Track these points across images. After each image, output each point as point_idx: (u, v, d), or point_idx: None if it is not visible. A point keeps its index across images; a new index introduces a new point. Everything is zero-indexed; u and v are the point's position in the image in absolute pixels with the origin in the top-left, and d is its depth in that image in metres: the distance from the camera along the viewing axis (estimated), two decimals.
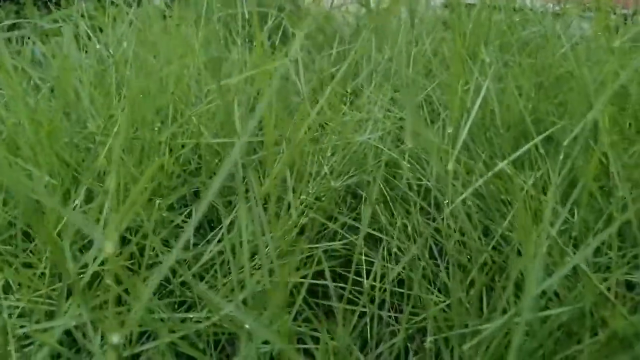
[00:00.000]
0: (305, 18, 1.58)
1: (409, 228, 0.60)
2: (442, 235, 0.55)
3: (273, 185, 0.35)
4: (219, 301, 0.28)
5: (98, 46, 0.89)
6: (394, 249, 0.63)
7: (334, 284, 0.65)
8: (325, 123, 0.84)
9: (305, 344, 0.58)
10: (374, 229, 0.67)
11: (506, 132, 0.76)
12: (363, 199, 0.69)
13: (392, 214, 0.66)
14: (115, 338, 0.19)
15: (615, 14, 1.56)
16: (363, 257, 0.62)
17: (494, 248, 0.62)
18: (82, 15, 1.03)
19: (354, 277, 0.66)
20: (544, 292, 0.52)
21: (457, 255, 0.48)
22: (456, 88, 0.47)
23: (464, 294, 0.51)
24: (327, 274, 0.44)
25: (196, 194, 0.79)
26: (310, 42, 1.52)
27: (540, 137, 0.48)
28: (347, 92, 0.97)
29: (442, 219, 0.50)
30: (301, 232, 0.73)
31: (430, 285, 0.60)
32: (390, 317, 0.62)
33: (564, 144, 0.46)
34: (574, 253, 0.52)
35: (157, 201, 0.58)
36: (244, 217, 0.35)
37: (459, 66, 0.47)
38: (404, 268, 0.55)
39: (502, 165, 0.44)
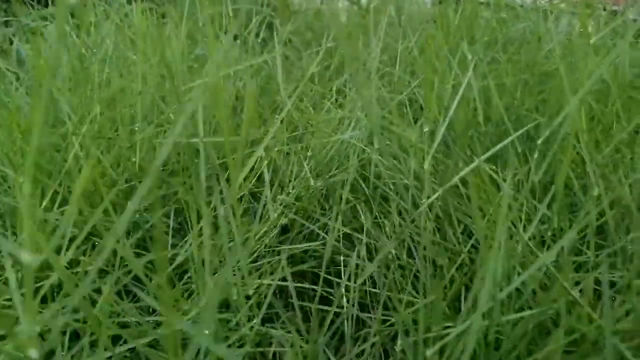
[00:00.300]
0: (293, 15, 1.57)
1: (387, 228, 0.59)
2: (420, 235, 0.55)
3: (234, 185, 0.34)
4: (160, 308, 0.27)
5: (78, 43, 0.87)
6: (373, 249, 0.62)
7: (314, 286, 0.65)
8: (309, 122, 0.83)
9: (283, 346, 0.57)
10: (354, 229, 0.66)
11: (493, 130, 0.75)
12: (343, 198, 0.68)
13: (372, 213, 0.65)
14: (33, 353, 0.18)
15: (605, 10, 1.55)
16: (341, 258, 0.61)
17: (474, 247, 0.62)
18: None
19: (337, 278, 0.65)
20: (521, 292, 0.51)
21: (428, 254, 0.47)
22: (431, 86, 0.46)
23: (440, 295, 0.50)
24: (289, 276, 0.43)
25: (176, 194, 0.78)
26: (299, 39, 1.51)
27: (517, 134, 0.48)
28: (331, 90, 0.96)
29: (418, 217, 0.49)
30: (282, 232, 0.73)
31: (409, 286, 0.59)
32: (370, 318, 0.61)
33: (538, 142, 0.45)
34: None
35: (129, 203, 0.57)
36: (206, 222, 0.35)
37: (431, 64, 0.46)
38: (379, 267, 0.54)
39: (476, 162, 0.43)
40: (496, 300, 0.35)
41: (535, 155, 0.47)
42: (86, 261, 0.53)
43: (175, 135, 0.19)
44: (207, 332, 0.32)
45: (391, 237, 0.63)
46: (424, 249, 0.56)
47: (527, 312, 0.38)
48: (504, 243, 0.35)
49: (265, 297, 0.56)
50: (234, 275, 0.55)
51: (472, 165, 0.45)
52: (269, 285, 0.49)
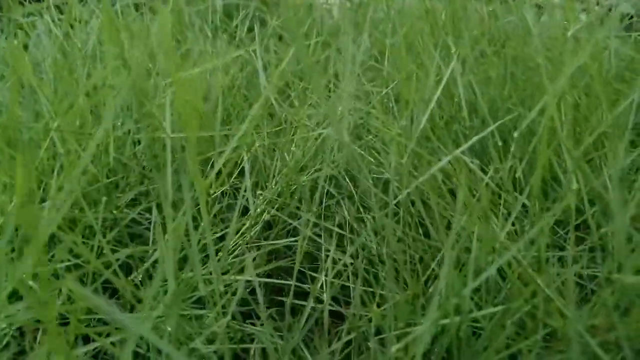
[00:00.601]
0: (282, 9, 1.56)
1: (368, 223, 0.59)
2: (402, 230, 0.54)
3: (198, 179, 0.33)
4: (105, 306, 0.27)
5: (61, 37, 0.87)
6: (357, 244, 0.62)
7: (297, 282, 0.64)
8: (293, 117, 0.82)
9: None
10: (338, 224, 0.66)
11: (479, 124, 0.75)
12: (325, 193, 0.67)
13: (355, 207, 0.65)
14: None
15: (598, 4, 1.54)
16: (323, 254, 0.61)
17: (457, 242, 0.61)
18: (48, 7, 1.01)
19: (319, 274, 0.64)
20: (500, 286, 0.50)
21: (398, 250, 0.47)
22: (408, 79, 0.45)
23: (419, 290, 0.49)
24: (254, 274, 0.42)
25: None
26: (290, 34, 1.49)
27: (495, 125, 0.47)
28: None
29: (397, 211, 0.48)
30: (266, 228, 0.72)
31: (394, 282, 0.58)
32: (353, 314, 0.60)
33: (515, 134, 0.45)
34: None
35: (104, 198, 0.56)
36: (169, 219, 0.34)
37: (406, 57, 0.45)
38: (360, 262, 0.53)
39: (450, 156, 0.43)
40: (461, 295, 0.34)
41: (512, 148, 0.46)
42: (56, 258, 0.52)
43: (104, 127, 0.18)
44: (169, 329, 0.32)
45: (374, 231, 0.62)
46: (408, 244, 0.55)
47: (497, 308, 0.37)
48: (475, 235, 0.34)
49: (248, 293, 0.55)
50: (210, 273, 0.54)
51: (447, 158, 0.44)
52: (248, 281, 0.48)
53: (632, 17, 1.48)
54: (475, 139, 0.46)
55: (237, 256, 0.63)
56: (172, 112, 0.78)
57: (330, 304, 0.54)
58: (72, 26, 0.99)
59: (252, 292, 0.67)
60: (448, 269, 0.24)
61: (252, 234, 0.63)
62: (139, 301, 0.45)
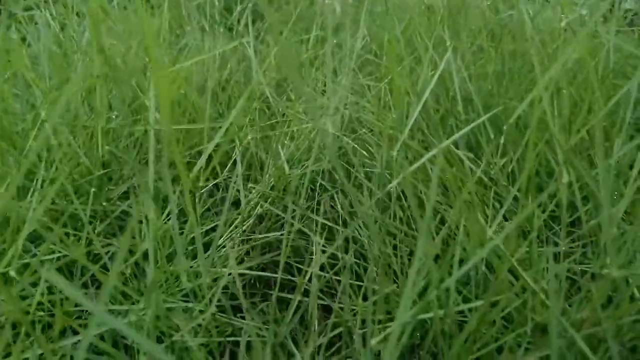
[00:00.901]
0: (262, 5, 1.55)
1: (359, 216, 0.58)
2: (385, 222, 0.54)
3: (183, 172, 0.33)
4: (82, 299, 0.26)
5: (57, 30, 0.86)
6: (350, 238, 0.61)
7: (287, 276, 0.64)
8: (289, 110, 0.82)
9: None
10: (330, 218, 0.65)
11: (475, 118, 0.74)
12: (318, 186, 0.67)
13: (347, 199, 0.64)
14: None
15: None
16: (314, 248, 0.60)
17: (449, 235, 0.60)
18: (46, 1, 1.01)
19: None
20: (487, 280, 0.50)
21: (385, 242, 0.46)
22: (397, 73, 0.45)
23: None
24: (235, 271, 0.42)
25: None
26: (290, 29, 1.49)
27: (485, 117, 0.46)
28: (315, 78, 0.94)
29: (387, 204, 0.48)
30: (259, 221, 0.72)
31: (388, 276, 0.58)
32: (342, 308, 0.60)
33: (504, 127, 0.44)
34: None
35: (93, 189, 0.56)
36: (151, 212, 0.34)
37: (402, 49, 0.44)
38: (359, 260, 0.53)
39: (440, 146, 0.42)
40: (440, 290, 0.33)
41: (502, 140, 0.45)
42: (41, 252, 0.52)
43: (54, 120, 0.18)
44: (147, 319, 0.31)
45: (365, 225, 0.62)
46: (403, 240, 0.55)
47: (481, 302, 0.37)
48: (469, 226, 0.33)
49: (242, 286, 0.55)
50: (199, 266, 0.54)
51: (435, 150, 0.44)
52: (239, 275, 0.48)
53: (635, 13, 1.47)
54: (465, 130, 0.46)
55: (229, 249, 0.63)
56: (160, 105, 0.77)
57: (319, 297, 0.54)
58: (70, 19, 0.99)
59: (246, 285, 0.67)
60: (421, 254, 0.23)
61: (244, 227, 0.63)
62: (124, 294, 0.45)
